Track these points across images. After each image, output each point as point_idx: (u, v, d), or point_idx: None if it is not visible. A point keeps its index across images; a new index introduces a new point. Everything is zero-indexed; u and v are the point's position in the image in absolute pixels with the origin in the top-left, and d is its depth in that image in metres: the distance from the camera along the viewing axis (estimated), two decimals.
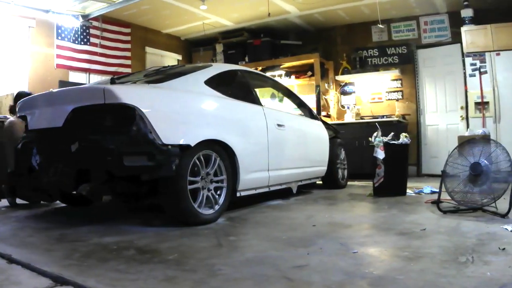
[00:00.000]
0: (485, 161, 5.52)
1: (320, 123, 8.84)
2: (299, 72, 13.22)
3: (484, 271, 2.99)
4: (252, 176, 6.12)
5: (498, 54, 10.47)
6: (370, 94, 13.05)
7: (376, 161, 7.58)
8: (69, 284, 2.89)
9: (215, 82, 5.87)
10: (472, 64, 10.71)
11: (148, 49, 13.32)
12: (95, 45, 11.72)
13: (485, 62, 10.58)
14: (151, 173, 4.62)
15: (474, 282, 2.76)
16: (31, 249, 3.93)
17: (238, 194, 5.89)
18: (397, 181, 7.72)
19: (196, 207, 4.96)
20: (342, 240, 4.18)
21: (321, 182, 9.22)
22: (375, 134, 7.75)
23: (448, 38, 12.03)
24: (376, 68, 12.84)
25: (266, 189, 6.69)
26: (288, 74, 13.22)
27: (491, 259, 3.30)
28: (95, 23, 11.69)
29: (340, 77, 13.09)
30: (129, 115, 4.50)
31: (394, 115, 12.05)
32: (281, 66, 13.21)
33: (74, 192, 5.11)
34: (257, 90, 7.45)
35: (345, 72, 13.05)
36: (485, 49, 10.57)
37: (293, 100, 8.79)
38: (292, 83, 13.10)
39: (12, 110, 7.42)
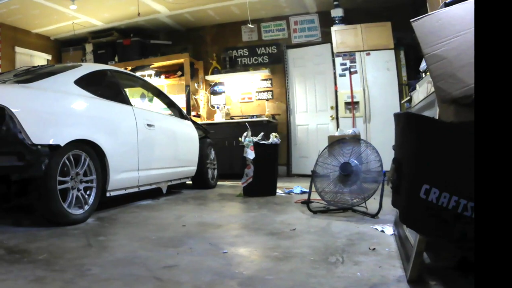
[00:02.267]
0: (355, 161, 5.59)
1: (190, 123, 8.87)
2: (169, 72, 13.18)
3: (354, 271, 3.06)
4: (122, 176, 6.10)
5: (368, 54, 10.82)
6: (240, 94, 13.15)
7: (246, 161, 7.67)
8: None
9: (84, 82, 5.79)
10: (342, 64, 10.99)
11: (18, 49, 12.77)
12: None
13: (355, 62, 10.90)
14: (20, 173, 4.53)
15: (344, 283, 2.82)
16: None
17: (108, 194, 5.85)
18: (267, 181, 7.83)
19: (66, 207, 4.89)
20: (212, 240, 4.21)
21: (191, 182, 9.24)
22: (245, 134, 7.81)
23: (318, 38, 12.28)
24: (246, 68, 12.96)
25: (136, 189, 6.67)
26: (158, 74, 13.14)
27: (361, 259, 3.37)
28: None
29: (210, 77, 13.10)
30: None
31: (264, 115, 12.18)
32: (151, 66, 13.09)
33: None
34: (127, 90, 7.40)
35: (215, 72, 13.08)
36: (355, 49, 10.89)
37: (163, 100, 8.78)
38: (162, 83, 13.05)
39: None
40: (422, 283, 2.78)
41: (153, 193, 7.56)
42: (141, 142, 6.54)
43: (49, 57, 13.88)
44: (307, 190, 6.21)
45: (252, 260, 3.56)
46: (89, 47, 13.72)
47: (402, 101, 10.04)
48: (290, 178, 11.49)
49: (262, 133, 8.06)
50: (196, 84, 13.15)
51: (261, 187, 7.68)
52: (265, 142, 7.90)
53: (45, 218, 4.94)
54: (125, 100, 6.67)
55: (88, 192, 5.37)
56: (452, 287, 2.75)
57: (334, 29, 11.11)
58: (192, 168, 8.66)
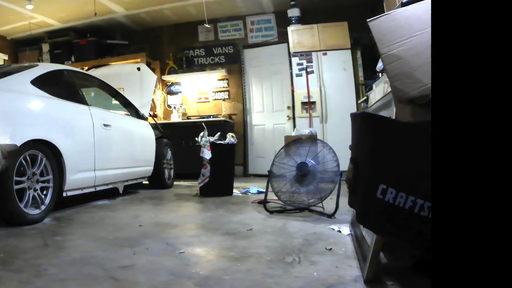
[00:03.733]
0: (312, 161, 5.58)
1: (146, 123, 8.85)
2: None
3: (311, 271, 3.06)
4: (79, 176, 6.05)
5: (325, 54, 10.83)
6: (196, 94, 13.11)
7: (202, 161, 7.66)
8: None
9: (41, 82, 5.72)
10: (298, 64, 10.99)
11: None
12: None
13: (312, 62, 10.89)
14: None
15: (300, 283, 2.83)
16: None
17: (64, 194, 5.80)
18: (224, 181, 7.84)
19: (22, 207, 4.85)
20: (168, 240, 4.20)
21: (147, 182, 9.21)
22: (201, 134, 7.79)
23: (275, 38, 12.28)
24: (202, 68, 12.95)
25: (93, 189, 6.62)
26: None
27: (318, 259, 3.38)
28: None
29: (166, 77, 13.06)
30: None
31: (220, 115, 12.19)
32: (108, 66, 12.94)
33: None
34: (83, 90, 7.34)
35: (172, 72, 13.03)
36: (312, 48, 10.89)
37: (120, 100, 8.71)
38: None
39: None
40: (378, 283, 2.80)
41: (110, 193, 7.53)
42: (97, 142, 6.50)
43: (6, 57, 13.66)
44: (264, 190, 6.23)
45: (209, 260, 3.57)
46: (45, 47, 13.54)
47: (359, 101, 10.06)
48: (247, 178, 11.48)
49: (218, 133, 8.04)
50: None
51: (218, 187, 7.69)
52: (222, 142, 7.91)
53: (1, 218, 4.87)
54: (82, 100, 6.62)
55: (44, 192, 5.32)
56: (408, 287, 2.78)
57: (290, 29, 11.12)
58: (149, 168, 8.64)
